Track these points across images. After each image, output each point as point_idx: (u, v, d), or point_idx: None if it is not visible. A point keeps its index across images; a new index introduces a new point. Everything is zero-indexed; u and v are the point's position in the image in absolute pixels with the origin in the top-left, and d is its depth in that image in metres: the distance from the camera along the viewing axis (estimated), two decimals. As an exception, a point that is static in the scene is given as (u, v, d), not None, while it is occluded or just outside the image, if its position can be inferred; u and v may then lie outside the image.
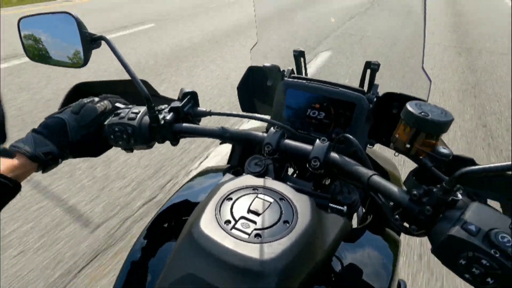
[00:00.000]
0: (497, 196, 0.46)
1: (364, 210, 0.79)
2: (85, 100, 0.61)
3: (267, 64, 0.74)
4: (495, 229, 0.35)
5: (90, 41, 0.57)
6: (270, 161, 0.64)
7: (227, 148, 0.83)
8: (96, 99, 0.61)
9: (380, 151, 0.82)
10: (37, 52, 0.59)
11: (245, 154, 0.73)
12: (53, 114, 0.59)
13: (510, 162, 0.33)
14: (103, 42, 0.57)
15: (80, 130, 0.58)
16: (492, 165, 0.35)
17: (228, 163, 0.85)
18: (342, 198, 0.59)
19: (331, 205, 0.55)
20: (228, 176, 0.67)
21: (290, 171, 0.74)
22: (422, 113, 0.46)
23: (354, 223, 0.74)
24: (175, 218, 0.62)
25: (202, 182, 0.71)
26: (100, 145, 0.62)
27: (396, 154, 0.55)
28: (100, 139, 0.61)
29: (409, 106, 0.48)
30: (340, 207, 0.55)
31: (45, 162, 0.54)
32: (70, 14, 0.54)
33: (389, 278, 0.54)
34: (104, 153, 0.64)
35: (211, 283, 0.38)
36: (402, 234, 0.58)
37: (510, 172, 0.45)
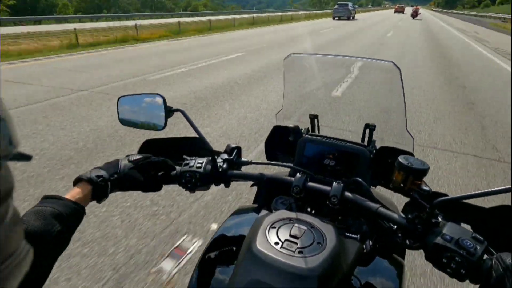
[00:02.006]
0: (467, 220, 0.66)
1: (371, 242, 0.96)
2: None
3: (290, 125, 0.96)
4: (462, 237, 0.54)
5: (169, 111, 0.79)
6: (292, 200, 0.83)
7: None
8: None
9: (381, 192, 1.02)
10: (127, 120, 0.82)
11: (269, 195, 0.91)
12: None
13: (472, 193, 0.53)
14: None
15: (129, 164, 0.72)
16: (459, 195, 0.56)
17: (253, 202, 1.03)
18: (355, 228, 0.77)
19: (347, 234, 0.73)
20: (264, 212, 0.85)
21: (309, 210, 0.92)
22: (409, 164, 0.68)
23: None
24: (226, 247, 0.77)
25: (240, 219, 0.89)
26: (147, 183, 0.76)
27: (393, 193, 0.75)
28: (148, 177, 0.75)
29: (400, 159, 0.70)
30: (354, 236, 0.73)
31: (97, 185, 0.64)
32: (159, 94, 0.77)
33: None
34: (154, 191, 0.79)
35: (271, 284, 0.54)
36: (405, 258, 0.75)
37: (474, 203, 0.65)
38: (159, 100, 0.77)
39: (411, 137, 0.89)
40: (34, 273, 0.47)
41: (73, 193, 0.62)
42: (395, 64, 0.90)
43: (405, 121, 0.90)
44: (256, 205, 0.90)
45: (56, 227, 0.54)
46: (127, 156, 0.75)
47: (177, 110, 0.78)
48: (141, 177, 0.73)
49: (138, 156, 0.75)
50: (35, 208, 0.55)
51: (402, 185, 0.69)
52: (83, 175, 0.65)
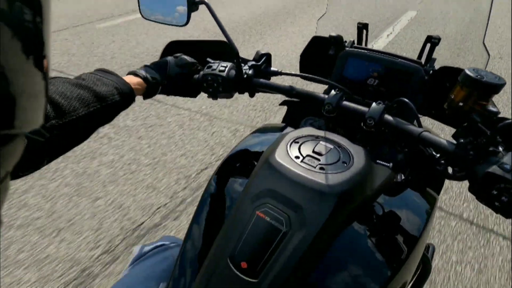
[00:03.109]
0: None
1: (404, 175, 0.87)
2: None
3: (333, 34, 0.82)
4: None
5: (192, 4, 0.69)
6: (323, 122, 0.74)
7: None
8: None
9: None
10: (149, 14, 0.74)
11: (300, 116, 0.83)
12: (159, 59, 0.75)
13: None
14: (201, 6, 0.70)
15: (176, 69, 0.72)
16: None
17: (282, 122, 0.96)
18: (389, 157, 0.68)
19: (379, 161, 0.65)
20: (290, 129, 0.78)
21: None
22: (478, 76, 0.53)
23: None
24: (244, 161, 0.74)
25: (264, 135, 0.83)
26: (188, 90, 0.77)
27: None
28: (188, 85, 0.75)
29: (467, 70, 0.55)
30: (387, 164, 0.64)
31: (151, 85, 0.67)
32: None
33: (421, 228, 0.60)
34: (191, 97, 0.78)
35: (287, 195, 0.50)
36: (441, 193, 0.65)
37: None
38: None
39: (487, 53, 0.71)
40: (77, 130, 0.51)
41: (129, 79, 0.63)
42: None
43: (484, 33, 0.71)
44: (283, 124, 0.84)
45: (115, 97, 0.56)
46: (174, 57, 0.74)
47: (202, 2, 0.69)
48: (183, 83, 0.74)
49: (184, 61, 0.74)
50: (96, 76, 0.57)
51: (461, 104, 0.56)
52: (139, 72, 0.66)
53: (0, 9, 0.16)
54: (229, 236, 0.51)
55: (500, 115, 0.53)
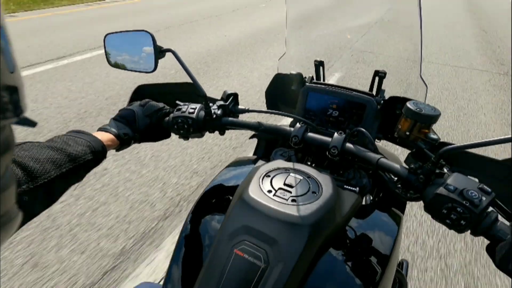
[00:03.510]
0: (475, 173, 0.60)
1: (371, 196, 0.94)
2: (148, 99, 0.77)
3: (293, 72, 0.89)
4: (466, 188, 0.49)
5: (160, 52, 0.73)
6: (292, 153, 0.79)
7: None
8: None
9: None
10: (115, 61, 0.76)
11: (270, 147, 0.87)
12: (125, 107, 0.75)
13: (479, 141, 0.48)
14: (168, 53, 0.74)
15: (145, 119, 0.74)
16: (466, 143, 0.50)
17: (254, 155, 1.00)
18: (355, 181, 0.73)
19: (346, 186, 0.70)
20: (261, 162, 0.82)
21: (309, 163, 0.89)
22: (418, 109, 0.61)
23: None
24: (220, 197, 0.76)
25: (237, 169, 0.86)
26: (160, 134, 0.78)
27: (399, 148, 0.69)
28: (160, 129, 0.77)
29: (409, 104, 0.63)
30: (353, 188, 0.70)
31: (124, 141, 0.69)
32: (148, 32, 0.70)
33: (391, 246, 0.65)
34: (163, 139, 0.80)
35: (262, 231, 0.53)
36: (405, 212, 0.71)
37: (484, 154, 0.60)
38: (148, 38, 0.71)
39: (424, 85, 0.81)
40: (49, 193, 0.50)
41: (101, 136, 0.64)
42: None
43: (420, 67, 0.82)
44: (255, 157, 0.87)
45: (88, 156, 0.57)
46: (140, 105, 0.76)
47: (168, 50, 0.72)
48: (155, 130, 0.76)
49: (152, 109, 0.75)
50: (69, 136, 0.58)
51: (407, 133, 0.63)
52: (110, 130, 0.68)
53: None
54: (209, 277, 0.51)
55: (442, 140, 0.61)
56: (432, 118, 0.61)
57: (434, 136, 0.60)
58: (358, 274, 0.58)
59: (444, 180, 0.52)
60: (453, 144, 0.59)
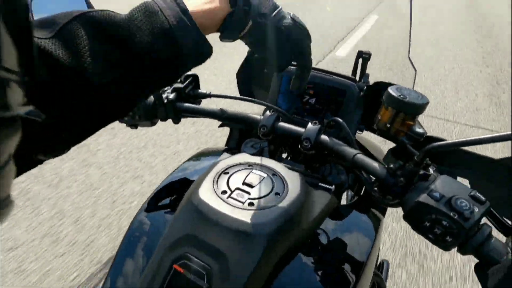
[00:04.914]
0: (467, 173, 0.51)
1: (353, 193, 0.85)
2: None
3: None
4: (455, 196, 0.40)
5: None
6: (265, 144, 0.69)
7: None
8: None
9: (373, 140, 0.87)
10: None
11: (243, 137, 0.77)
12: None
13: (472, 138, 0.38)
14: None
15: None
16: (456, 140, 0.40)
17: (225, 145, 0.90)
18: (331, 178, 0.64)
19: (320, 184, 0.60)
20: (226, 155, 0.72)
21: (284, 155, 0.79)
22: (401, 96, 0.51)
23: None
24: (174, 193, 0.67)
25: (200, 161, 0.76)
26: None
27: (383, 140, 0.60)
28: None
29: (390, 90, 0.53)
30: (328, 186, 0.60)
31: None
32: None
33: (368, 252, 0.58)
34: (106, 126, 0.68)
35: (208, 242, 0.43)
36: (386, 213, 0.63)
37: (477, 151, 0.50)
38: (81, 4, 0.58)
39: (413, 68, 0.71)
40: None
41: None
42: None
43: (409, 48, 0.71)
44: (223, 148, 0.77)
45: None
46: None
47: None
48: None
49: None
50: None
51: (388, 125, 0.53)
52: None
53: None
54: None
55: (428, 134, 0.51)
56: (418, 107, 0.51)
57: (420, 130, 0.50)
58: (331, 281, 0.51)
59: (429, 184, 0.42)
60: (442, 139, 0.50)
